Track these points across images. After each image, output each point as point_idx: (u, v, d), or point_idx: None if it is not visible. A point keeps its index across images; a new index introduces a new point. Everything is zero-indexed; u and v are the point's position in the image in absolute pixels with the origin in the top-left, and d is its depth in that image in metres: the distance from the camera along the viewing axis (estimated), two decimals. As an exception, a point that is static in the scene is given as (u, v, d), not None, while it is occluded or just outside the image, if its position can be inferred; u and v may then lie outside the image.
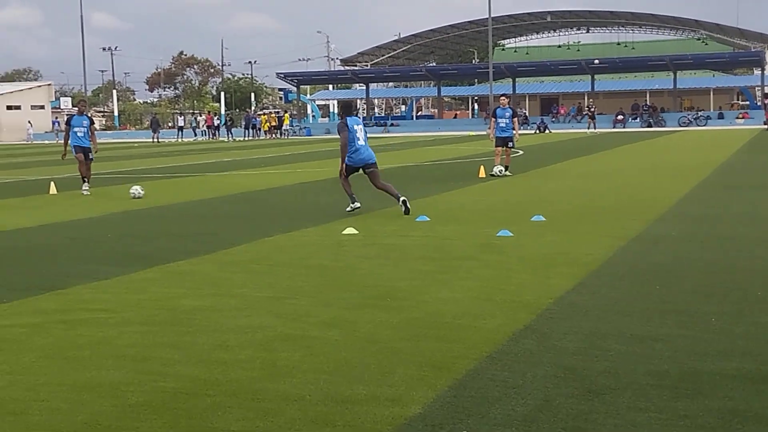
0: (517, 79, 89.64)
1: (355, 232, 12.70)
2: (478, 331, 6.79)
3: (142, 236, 13.06)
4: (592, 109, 71.41)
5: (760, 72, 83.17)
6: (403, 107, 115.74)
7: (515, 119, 24.30)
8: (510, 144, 24.15)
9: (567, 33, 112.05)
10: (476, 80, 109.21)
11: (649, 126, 75.00)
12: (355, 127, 15.93)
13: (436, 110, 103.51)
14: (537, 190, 19.01)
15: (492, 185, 20.84)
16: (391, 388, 5.43)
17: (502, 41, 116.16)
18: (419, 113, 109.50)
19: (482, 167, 24.08)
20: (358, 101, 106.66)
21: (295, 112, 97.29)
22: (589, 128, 67.75)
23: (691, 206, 14.98)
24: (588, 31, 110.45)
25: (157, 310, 7.83)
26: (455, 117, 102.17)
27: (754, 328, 6.68)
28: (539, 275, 9.08)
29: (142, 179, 26.54)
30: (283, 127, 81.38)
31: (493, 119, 24.59)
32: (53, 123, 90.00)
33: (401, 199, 15.04)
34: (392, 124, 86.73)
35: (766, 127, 58.84)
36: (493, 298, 8.02)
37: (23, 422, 5.00)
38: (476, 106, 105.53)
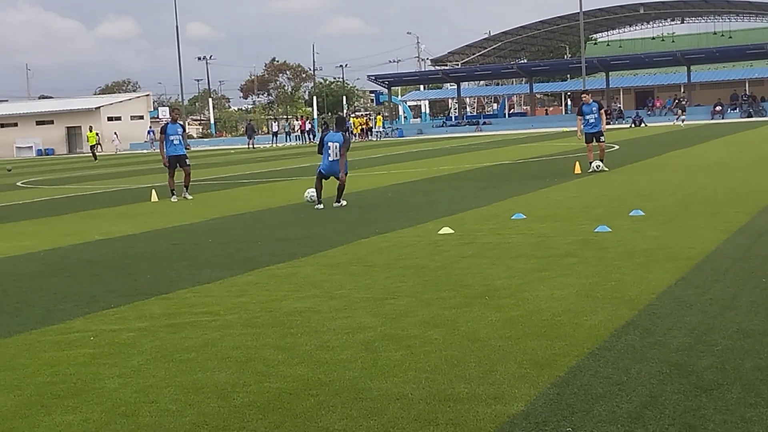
0: (610, 73, 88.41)
1: (451, 231, 12.70)
2: (580, 328, 6.73)
3: (242, 240, 13.28)
4: (683, 102, 69.97)
5: None
6: (495, 105, 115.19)
7: (602, 112, 24.09)
8: (601, 138, 23.93)
9: (661, 24, 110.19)
10: (568, 75, 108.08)
11: (749, 116, 73.24)
12: (329, 143, 17.58)
13: (528, 107, 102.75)
14: (634, 185, 18.72)
15: (588, 181, 20.59)
16: (492, 386, 5.42)
17: (594, 35, 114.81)
18: (511, 111, 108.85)
19: (577, 163, 23.82)
20: (450, 101, 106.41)
21: (386, 114, 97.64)
22: (677, 120, 66.52)
23: (796, 197, 14.58)
24: (683, 22, 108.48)
25: (259, 312, 7.96)
26: (546, 113, 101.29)
27: None
28: (640, 270, 8.95)
29: (240, 185, 26.98)
30: (375, 129, 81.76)
31: (580, 117, 24.38)
32: (148, 132, 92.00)
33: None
34: (484, 123, 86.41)
35: None
36: (593, 294, 7.94)
37: (134, 423, 5.14)
38: (569, 102, 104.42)
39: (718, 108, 76.32)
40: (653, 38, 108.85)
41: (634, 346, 6.13)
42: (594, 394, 5.16)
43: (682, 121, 66.61)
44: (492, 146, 45.91)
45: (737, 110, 76.01)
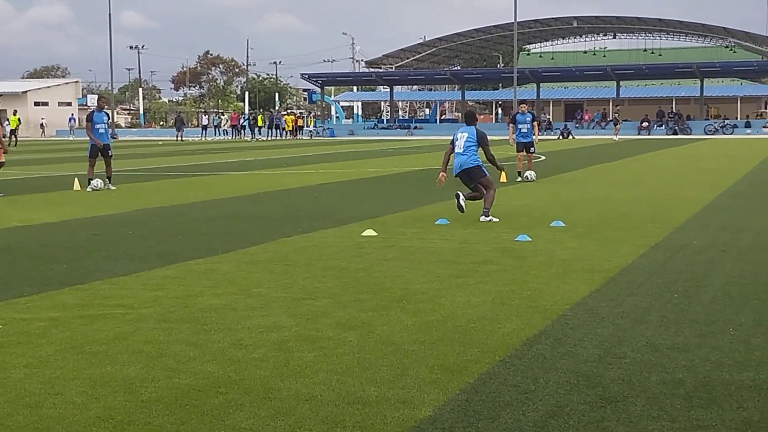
0: (541, 85, 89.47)
1: (374, 234, 12.72)
2: (493, 335, 6.79)
3: (163, 234, 13.13)
4: (617, 115, 70.65)
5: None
6: (427, 110, 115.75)
7: (535, 123, 24.42)
8: (531, 149, 24.22)
9: (593, 39, 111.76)
10: (500, 85, 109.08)
11: (675, 133, 74.61)
12: (458, 135, 15.16)
13: (459, 114, 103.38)
14: (557, 196, 18.96)
15: (513, 190, 20.80)
16: (402, 390, 5.44)
17: (528, 46, 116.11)
18: (443, 117, 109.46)
19: (503, 172, 23.97)
20: (382, 103, 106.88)
21: (318, 113, 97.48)
22: (615, 135, 66.65)
23: (714, 215, 14.89)
24: (614, 37, 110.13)
25: (175, 308, 7.88)
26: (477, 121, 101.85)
27: (770, 339, 6.65)
28: (557, 281, 9.07)
29: (165, 177, 26.68)
30: (306, 128, 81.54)
31: (513, 125, 24.66)
32: (69, 119, 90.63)
33: None
34: (416, 127, 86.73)
35: None
36: (509, 302, 8.01)
37: (37, 415, 5.05)
38: (500, 111, 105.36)
39: (645, 124, 77.63)
40: (585, 52, 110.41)
41: (544, 356, 6.21)
42: (501, 402, 5.21)
43: (616, 135, 65.94)
44: (422, 150, 46.09)
45: (663, 127, 77.38)
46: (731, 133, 72.83)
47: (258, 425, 4.87)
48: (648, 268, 9.82)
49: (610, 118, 76.22)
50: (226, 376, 5.76)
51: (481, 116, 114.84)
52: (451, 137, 15.40)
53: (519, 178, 23.54)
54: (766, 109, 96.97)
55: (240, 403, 5.22)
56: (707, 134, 73.17)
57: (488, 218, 14.43)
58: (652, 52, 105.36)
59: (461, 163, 14.89)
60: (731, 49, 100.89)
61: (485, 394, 5.36)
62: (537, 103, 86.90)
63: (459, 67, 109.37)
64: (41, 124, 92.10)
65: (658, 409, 5.08)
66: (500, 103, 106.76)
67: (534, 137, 24.23)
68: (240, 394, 5.40)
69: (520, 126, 24.13)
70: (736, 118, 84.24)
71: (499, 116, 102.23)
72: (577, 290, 8.52)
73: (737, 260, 10.28)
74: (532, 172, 23.70)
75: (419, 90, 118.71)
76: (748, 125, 77.27)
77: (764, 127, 75.29)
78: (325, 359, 6.16)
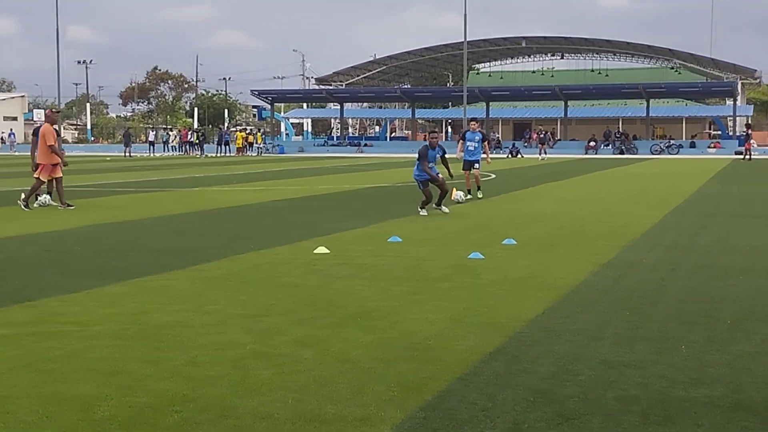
0: (491, 104, 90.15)
1: (327, 251, 12.69)
2: (449, 353, 6.80)
3: (114, 250, 12.98)
4: (542, 135, 69.93)
5: (732, 102, 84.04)
6: (377, 128, 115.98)
7: (485, 143, 24.42)
8: (476, 166, 24.10)
9: (542, 59, 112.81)
10: (450, 103, 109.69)
11: (621, 153, 75.52)
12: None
13: (409, 132, 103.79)
14: (508, 214, 19.08)
15: (464, 207, 20.89)
16: (360, 408, 5.42)
17: (477, 65, 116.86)
18: (392, 134, 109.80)
19: (454, 189, 24.07)
20: (332, 120, 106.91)
21: (268, 130, 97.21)
22: (540, 154, 63.31)
23: (664, 233, 15.08)
24: (562, 57, 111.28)
25: (128, 325, 7.79)
26: (425, 139, 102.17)
27: (724, 356, 6.74)
28: (511, 298, 9.12)
29: (115, 193, 26.41)
30: (255, 145, 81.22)
31: (461, 142, 24.64)
32: (9, 135, 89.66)
33: None
34: (366, 144, 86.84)
35: (742, 157, 59.09)
36: (464, 319, 8.04)
37: (-10, 434, 4.96)
38: (449, 129, 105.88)
39: (592, 143, 78.49)
40: (534, 72, 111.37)
41: (500, 373, 6.22)
42: (459, 419, 5.22)
43: (545, 153, 63.70)
44: (373, 168, 46.15)
45: (610, 146, 78.31)
46: (677, 153, 73.89)
47: (216, 443, 4.83)
48: (600, 285, 9.91)
49: (534, 137, 76.18)
50: (181, 394, 5.70)
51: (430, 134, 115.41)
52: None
53: (469, 196, 23.55)
54: (710, 129, 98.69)
55: (196, 422, 5.17)
56: (653, 154, 74.17)
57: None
58: (599, 73, 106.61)
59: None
60: (676, 71, 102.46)
61: (443, 411, 5.36)
62: (486, 121, 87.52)
63: (409, 85, 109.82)
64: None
65: (615, 426, 5.12)
66: (450, 121, 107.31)
67: (486, 156, 24.33)
68: (196, 412, 5.35)
69: (468, 144, 24.12)
70: (682, 138, 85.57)
71: (449, 134, 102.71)
72: (532, 307, 8.57)
73: (687, 278, 10.40)
74: (460, 194, 23.33)
75: (369, 107, 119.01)
76: (693, 145, 78.55)
77: (709, 147, 76.54)
78: (282, 377, 6.12)
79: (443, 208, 18.99)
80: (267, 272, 10.89)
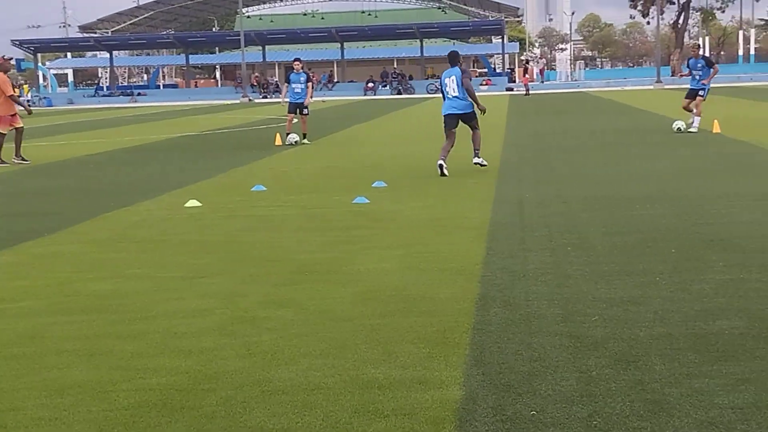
0: (266, 47, 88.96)
1: (199, 204, 11.96)
2: (438, 302, 6.43)
3: (-41, 216, 11.70)
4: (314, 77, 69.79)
5: (500, 40, 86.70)
6: (145, 76, 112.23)
7: (309, 84, 23.58)
8: (305, 111, 23.41)
9: (310, 1, 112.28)
10: (217, 48, 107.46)
11: (399, 93, 76.53)
12: (446, 80, 15.30)
13: (180, 79, 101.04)
14: (349, 157, 18.74)
15: (300, 152, 20.39)
16: (408, 370, 4.97)
17: (246, 9, 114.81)
18: (163, 82, 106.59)
19: (278, 135, 23.50)
20: (100, 70, 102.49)
21: (30, 82, 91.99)
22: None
23: (519, 168, 15.18)
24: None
25: (63, 297, 6.95)
26: (197, 86, 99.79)
27: (707, 285, 6.69)
28: (442, 241, 8.81)
29: None
30: (22, 98, 76.65)
31: (287, 85, 23.73)
32: None
33: None
34: (139, 94, 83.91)
35: (524, 93, 61.13)
36: (419, 266, 7.67)
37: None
38: (221, 75, 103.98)
39: (371, 85, 79.11)
40: (304, 14, 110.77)
41: (512, 319, 5.89)
42: (522, 372, 4.87)
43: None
44: (164, 117, 44.53)
45: (388, 87, 79.16)
46: (452, 91, 75.51)
47: (283, 423, 4.28)
48: (512, 222, 9.75)
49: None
50: (196, 370, 5.06)
51: (202, 80, 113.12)
52: (439, 82, 15.69)
53: (287, 141, 22.78)
54: (474, 67, 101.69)
55: (241, 400, 4.58)
56: (429, 93, 75.55)
57: (480, 159, 15.09)
58: (369, 14, 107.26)
59: (460, 107, 15.05)
60: (443, 10, 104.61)
61: (495, 366, 4.98)
62: (263, 65, 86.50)
63: (173, 31, 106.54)
64: None
65: (678, 365, 4.92)
66: (221, 66, 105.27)
67: (307, 99, 23.52)
68: (232, 389, 4.75)
69: (293, 86, 23.20)
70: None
71: (221, 80, 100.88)
72: (473, 249, 8.29)
73: (587, 210, 10.37)
74: (294, 136, 22.83)
75: (137, 55, 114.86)
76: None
77: (481, 84, 78.72)
78: (288, 341, 5.55)
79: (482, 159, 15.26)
80: (155, 230, 10.09)
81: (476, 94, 15.23)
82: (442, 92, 15.30)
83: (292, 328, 5.89)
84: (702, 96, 21.50)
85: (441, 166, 14.51)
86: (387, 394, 4.62)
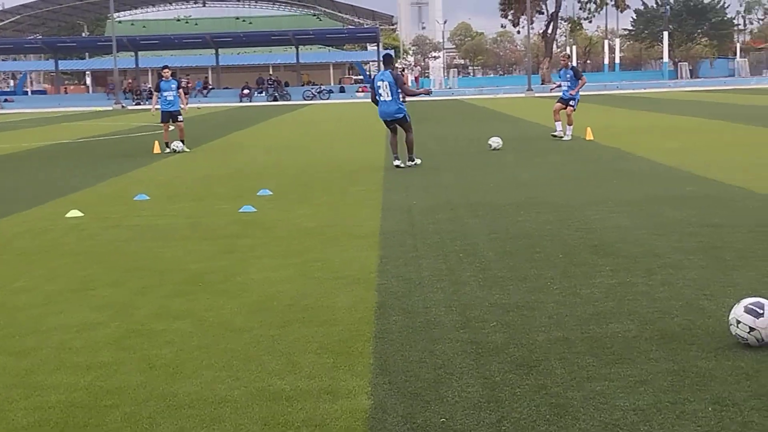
0: (139, 53, 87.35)
1: (81, 214, 11.68)
2: (337, 311, 6.42)
3: None
4: (188, 84, 68.75)
5: (375, 47, 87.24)
6: (12, 82, 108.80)
7: (181, 91, 23.31)
8: (179, 118, 23.13)
9: (184, 7, 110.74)
10: (87, 54, 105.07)
11: (275, 100, 76.21)
12: (379, 83, 16.38)
13: (49, 85, 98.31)
14: (231, 164, 18.55)
15: (180, 160, 20.10)
16: (314, 381, 4.95)
17: (118, 14, 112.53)
18: (29, 89, 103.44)
19: (157, 143, 23.11)
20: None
21: None
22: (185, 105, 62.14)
23: (401, 175, 15.27)
24: (204, 5, 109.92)
25: (-56, 313, 6.66)
26: (66, 92, 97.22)
27: (597, 290, 6.86)
28: (335, 249, 8.80)
29: None
30: None
31: (157, 93, 23.38)
32: None
33: None
34: (6, 100, 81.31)
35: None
36: (313, 275, 7.65)
37: None
38: (92, 81, 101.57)
39: (246, 91, 78.53)
40: (178, 20, 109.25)
41: (411, 327, 5.93)
42: (428, 379, 4.90)
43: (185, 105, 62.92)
44: (36, 124, 43.22)
45: (264, 94, 78.72)
46: (328, 98, 75.76)
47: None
48: (402, 230, 9.80)
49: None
50: (97, 386, 4.93)
51: (72, 87, 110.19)
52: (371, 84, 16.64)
53: (168, 149, 22.47)
54: (350, 74, 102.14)
55: (147, 415, 4.48)
56: (306, 100, 75.56)
57: (415, 161, 16.39)
58: (244, 20, 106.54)
59: (390, 113, 16.13)
60: (318, 18, 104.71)
61: (400, 374, 5.01)
62: (137, 71, 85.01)
63: (41, 36, 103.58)
64: None
65: (578, 368, 5.03)
66: (93, 72, 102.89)
67: (182, 106, 23.25)
68: (136, 405, 4.64)
69: (165, 94, 22.94)
70: (330, 84, 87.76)
71: (92, 86, 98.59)
72: (366, 257, 8.31)
73: (474, 217, 10.50)
74: (180, 144, 22.65)
75: (3, 60, 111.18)
76: (342, 90, 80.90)
77: (357, 91, 79.06)
78: (189, 354, 5.46)
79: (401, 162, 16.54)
80: (39, 241, 9.79)
81: (374, 97, 16.54)
82: (375, 95, 16.17)
83: (192, 340, 5.80)
84: (573, 106, 22.04)
85: (397, 166, 16.04)
86: (295, 405, 4.60)
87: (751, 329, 5.22)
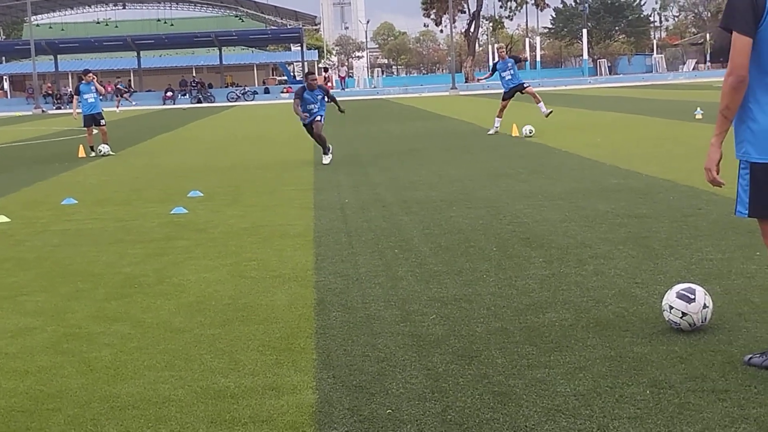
0: (58, 57, 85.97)
1: (8, 219, 11.48)
2: (276, 309, 6.43)
3: None
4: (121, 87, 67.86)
5: (299, 48, 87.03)
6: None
7: (100, 89, 23.07)
8: (101, 122, 22.78)
9: (103, 9, 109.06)
10: (3, 58, 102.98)
11: (199, 102, 75.61)
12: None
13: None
14: (158, 167, 18.39)
15: (106, 163, 19.86)
16: (259, 378, 4.96)
17: (34, 17, 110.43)
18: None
19: (81, 146, 22.77)
20: None
21: None
22: (117, 106, 60.74)
23: (333, 173, 15.30)
24: (124, 7, 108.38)
25: None
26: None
27: (531, 281, 6.97)
28: (270, 248, 8.79)
29: None
30: None
31: (77, 97, 23.05)
32: None
33: None
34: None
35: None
36: (249, 274, 7.64)
37: None
38: (10, 85, 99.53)
39: (170, 93, 77.78)
40: (98, 22, 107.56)
41: (352, 322, 5.97)
42: (371, 372, 4.94)
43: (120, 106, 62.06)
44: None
45: (187, 96, 78.07)
46: (252, 100, 75.40)
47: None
48: (336, 228, 9.83)
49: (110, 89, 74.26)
50: (37, 389, 4.87)
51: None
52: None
53: (93, 153, 22.20)
54: (274, 75, 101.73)
55: (91, 418, 4.45)
56: (230, 101, 75.10)
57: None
58: (165, 22, 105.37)
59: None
60: (240, 19, 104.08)
61: (344, 368, 5.04)
62: (57, 75, 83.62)
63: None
64: None
65: (519, 357, 5.13)
66: (10, 77, 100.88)
67: (116, 108, 23.03)
68: (77, 407, 4.60)
69: (86, 96, 22.59)
70: (254, 85, 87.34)
71: (9, 91, 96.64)
72: (301, 256, 8.33)
73: (407, 214, 10.57)
74: (106, 146, 22.41)
75: None
76: (267, 91, 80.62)
77: (282, 92, 78.81)
78: (128, 356, 5.42)
79: (324, 158, 17.28)
80: (-35, 248, 9.61)
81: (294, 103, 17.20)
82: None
83: (131, 341, 5.76)
84: (529, 85, 23.21)
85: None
86: (241, 402, 4.60)
87: (684, 314, 5.36)
